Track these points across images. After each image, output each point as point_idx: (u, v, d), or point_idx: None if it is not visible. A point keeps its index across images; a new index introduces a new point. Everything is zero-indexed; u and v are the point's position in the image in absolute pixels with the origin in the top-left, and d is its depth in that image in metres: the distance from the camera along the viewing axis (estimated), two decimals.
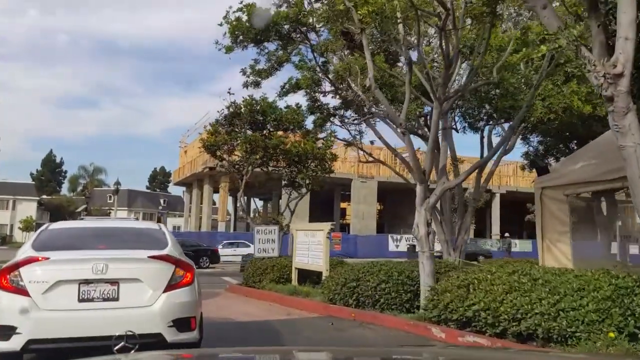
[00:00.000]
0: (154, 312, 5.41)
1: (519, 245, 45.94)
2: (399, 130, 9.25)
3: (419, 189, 9.43)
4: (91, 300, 5.31)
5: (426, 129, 17.95)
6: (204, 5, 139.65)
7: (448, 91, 8.93)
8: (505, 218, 50.01)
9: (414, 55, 13.74)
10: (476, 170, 14.49)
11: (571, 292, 6.18)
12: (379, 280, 9.96)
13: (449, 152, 16.26)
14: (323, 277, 12.44)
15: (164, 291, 5.51)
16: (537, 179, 8.93)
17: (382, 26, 9.76)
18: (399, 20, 8.49)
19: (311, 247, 13.53)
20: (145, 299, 5.43)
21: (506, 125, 19.47)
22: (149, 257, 5.59)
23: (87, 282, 5.32)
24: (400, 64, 16.88)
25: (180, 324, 5.52)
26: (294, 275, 14.16)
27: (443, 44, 8.09)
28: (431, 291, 8.40)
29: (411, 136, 16.05)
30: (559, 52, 8.96)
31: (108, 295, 5.36)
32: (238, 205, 17.77)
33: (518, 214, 53.85)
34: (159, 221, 24.58)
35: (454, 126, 17.65)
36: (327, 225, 13.30)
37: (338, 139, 18.66)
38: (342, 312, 10.27)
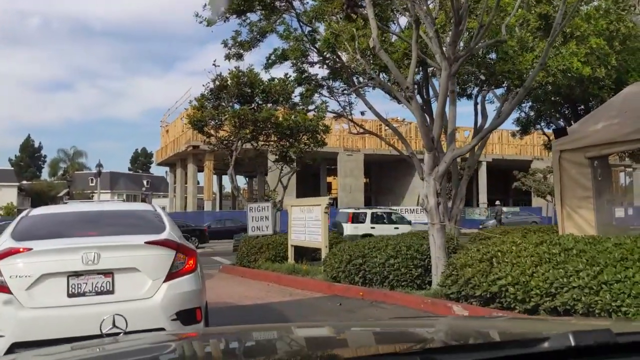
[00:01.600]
0: (155, 304, 4.75)
1: (507, 213, 45.76)
2: (404, 94, 8.59)
3: (427, 157, 8.81)
4: (82, 294, 4.64)
5: (418, 97, 17.38)
6: None
7: (457, 51, 8.27)
8: (491, 186, 49.85)
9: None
10: (470, 137, 13.98)
11: (613, 262, 5.64)
12: (387, 256, 9.40)
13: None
14: (323, 255, 11.89)
15: (165, 280, 4.84)
16: (555, 141, 8.35)
17: None
18: None
19: (308, 223, 12.96)
20: (144, 291, 4.77)
21: (498, 91, 19.07)
22: (146, 242, 4.90)
23: (76, 274, 4.63)
24: (390, 33, 16.19)
25: (185, 316, 4.87)
26: (291, 253, 13.62)
27: None
28: (449, 266, 7.84)
29: (402, 105, 15.55)
30: None
31: (101, 288, 4.69)
32: (230, 182, 17.05)
33: (504, 181, 53.76)
34: (143, 202, 23.84)
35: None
36: (324, 200, 12.73)
37: (328, 111, 18.01)
38: (348, 291, 9.71)
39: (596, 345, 1.27)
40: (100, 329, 4.22)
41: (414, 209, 41.18)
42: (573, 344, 1.25)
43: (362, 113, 18.87)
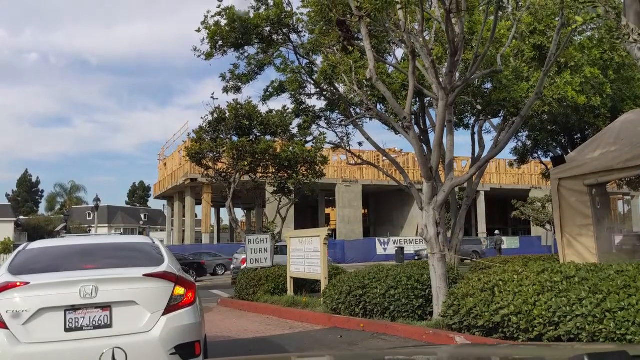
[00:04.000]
0: (154, 338, 4.68)
1: (506, 242, 45.64)
2: (402, 124, 8.62)
3: (426, 187, 8.80)
4: (80, 329, 4.56)
5: (416, 127, 17.47)
6: (174, 18, 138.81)
7: (454, 81, 8.34)
8: (490, 216, 49.84)
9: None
10: (468, 167, 14.00)
11: (616, 290, 5.59)
12: (388, 287, 9.32)
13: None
14: (322, 286, 11.78)
15: (164, 314, 4.78)
16: (553, 169, 8.37)
17: (376, 15, 9.13)
18: (399, 6, 7.88)
19: (307, 254, 12.85)
20: (143, 324, 4.70)
21: (495, 121, 19.19)
22: (144, 275, 4.85)
23: (74, 308, 4.57)
24: (387, 65, 16.36)
25: (184, 350, 4.79)
26: (290, 285, 13.49)
27: (449, 29, 7.50)
28: (450, 296, 7.76)
29: (399, 135, 15.60)
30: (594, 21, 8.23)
31: (99, 322, 4.62)
32: (228, 215, 17.17)
33: (502, 211, 53.77)
34: (141, 235, 23.62)
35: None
36: (323, 231, 12.63)
37: (326, 142, 18.07)
38: (349, 322, 9.59)
39: None
40: None
41: (413, 239, 41.08)
42: None
43: (360, 144, 18.99)
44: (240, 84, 17.65)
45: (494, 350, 2.43)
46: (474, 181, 18.17)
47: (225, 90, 17.59)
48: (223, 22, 16.30)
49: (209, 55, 16.91)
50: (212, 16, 15.95)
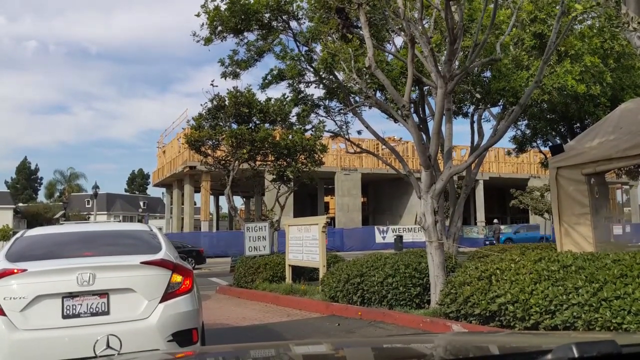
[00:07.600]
0: (151, 325, 4.70)
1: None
2: (401, 113, 8.61)
3: (424, 175, 8.80)
4: (77, 315, 4.58)
5: (414, 115, 17.43)
6: (173, 5, 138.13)
7: (453, 69, 8.31)
8: (489, 204, 49.84)
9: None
10: (467, 156, 13.98)
11: (612, 279, 5.60)
12: (385, 275, 9.34)
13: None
14: (321, 274, 11.81)
15: (161, 301, 4.79)
16: (551, 158, 8.36)
17: (375, 3, 9.09)
18: None
19: (305, 242, 12.86)
20: (140, 312, 4.72)
21: (494, 110, 19.15)
22: (141, 262, 4.86)
23: (71, 295, 4.58)
24: (386, 53, 16.28)
25: (181, 337, 4.81)
26: (288, 273, 13.51)
27: (448, 17, 7.46)
28: (448, 284, 7.79)
29: (398, 124, 15.58)
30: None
31: (97, 309, 4.64)
32: (227, 202, 17.24)
33: (501, 200, 53.83)
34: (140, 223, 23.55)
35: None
36: (322, 219, 12.63)
37: (325, 131, 18.05)
38: (346, 310, 9.63)
39: (600, 356, 1.23)
40: (94, 350, 4.16)
41: (411, 228, 41.13)
42: (576, 355, 1.21)
43: (359, 132, 18.94)
44: (239, 70, 17.58)
45: (490, 338, 2.44)
46: (473, 170, 18.18)
47: (224, 75, 17.53)
48: (223, 6, 16.22)
49: (208, 41, 16.83)
50: (212, 0, 15.87)
